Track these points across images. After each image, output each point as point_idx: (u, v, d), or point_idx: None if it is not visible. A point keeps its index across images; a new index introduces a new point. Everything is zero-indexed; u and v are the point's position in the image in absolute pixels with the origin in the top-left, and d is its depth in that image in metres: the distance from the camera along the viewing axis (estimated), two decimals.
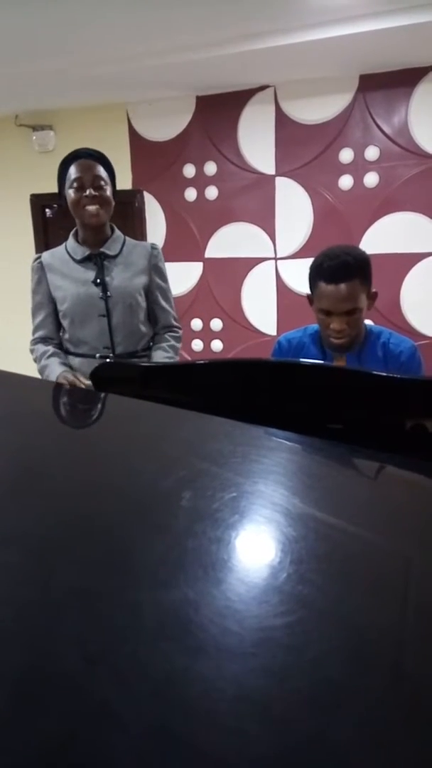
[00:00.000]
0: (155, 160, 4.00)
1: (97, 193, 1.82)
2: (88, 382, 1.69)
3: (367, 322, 1.69)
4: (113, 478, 0.58)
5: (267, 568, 0.40)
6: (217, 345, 4.14)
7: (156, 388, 1.02)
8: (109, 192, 1.87)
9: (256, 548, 0.43)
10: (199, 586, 0.37)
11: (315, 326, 1.71)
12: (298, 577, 0.38)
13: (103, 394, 0.97)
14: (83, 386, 1.69)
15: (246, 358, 2.85)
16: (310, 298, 1.66)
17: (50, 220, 4.57)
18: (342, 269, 1.52)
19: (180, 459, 0.63)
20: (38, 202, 4.51)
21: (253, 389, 0.94)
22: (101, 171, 1.85)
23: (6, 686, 0.29)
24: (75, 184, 1.83)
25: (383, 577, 0.41)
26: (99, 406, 0.89)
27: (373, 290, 1.61)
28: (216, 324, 4.08)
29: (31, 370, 1.70)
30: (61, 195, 1.92)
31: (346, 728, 0.27)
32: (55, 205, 4.51)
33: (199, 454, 0.64)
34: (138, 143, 4.03)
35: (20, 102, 4.05)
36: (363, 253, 1.58)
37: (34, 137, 4.31)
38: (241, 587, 0.37)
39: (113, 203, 1.90)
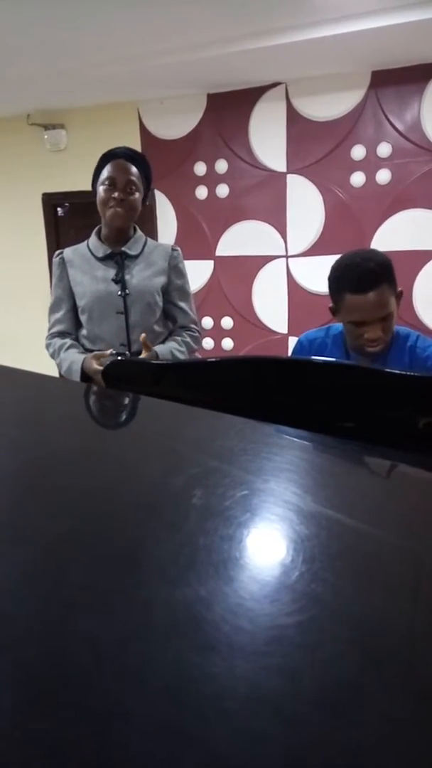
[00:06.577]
0: (166, 158, 4.00)
1: (125, 198, 1.85)
2: (108, 352, 1.82)
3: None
4: (124, 475, 0.58)
5: (279, 567, 0.39)
6: (227, 343, 4.14)
7: (168, 386, 1.02)
8: (137, 197, 1.89)
9: (268, 546, 0.43)
10: (211, 584, 0.37)
11: (338, 326, 1.62)
12: (311, 576, 0.38)
13: (113, 392, 0.97)
14: (107, 354, 1.80)
15: (258, 356, 2.85)
16: (332, 310, 1.56)
17: (61, 219, 4.59)
18: (368, 277, 1.43)
19: (191, 457, 0.63)
20: (50, 201, 4.54)
21: (264, 387, 0.93)
22: (135, 174, 1.87)
23: (17, 683, 0.29)
24: (106, 182, 1.85)
25: (396, 575, 0.40)
26: (109, 403, 0.89)
27: (399, 289, 1.52)
28: (227, 322, 4.08)
29: (42, 367, 1.70)
30: (93, 190, 1.94)
31: (358, 728, 0.26)
32: (66, 204, 4.53)
33: (210, 452, 0.63)
34: (149, 141, 4.04)
35: (32, 101, 4.07)
36: (383, 256, 1.50)
37: (46, 136, 4.33)
38: (253, 585, 0.37)
39: (139, 209, 1.92)
